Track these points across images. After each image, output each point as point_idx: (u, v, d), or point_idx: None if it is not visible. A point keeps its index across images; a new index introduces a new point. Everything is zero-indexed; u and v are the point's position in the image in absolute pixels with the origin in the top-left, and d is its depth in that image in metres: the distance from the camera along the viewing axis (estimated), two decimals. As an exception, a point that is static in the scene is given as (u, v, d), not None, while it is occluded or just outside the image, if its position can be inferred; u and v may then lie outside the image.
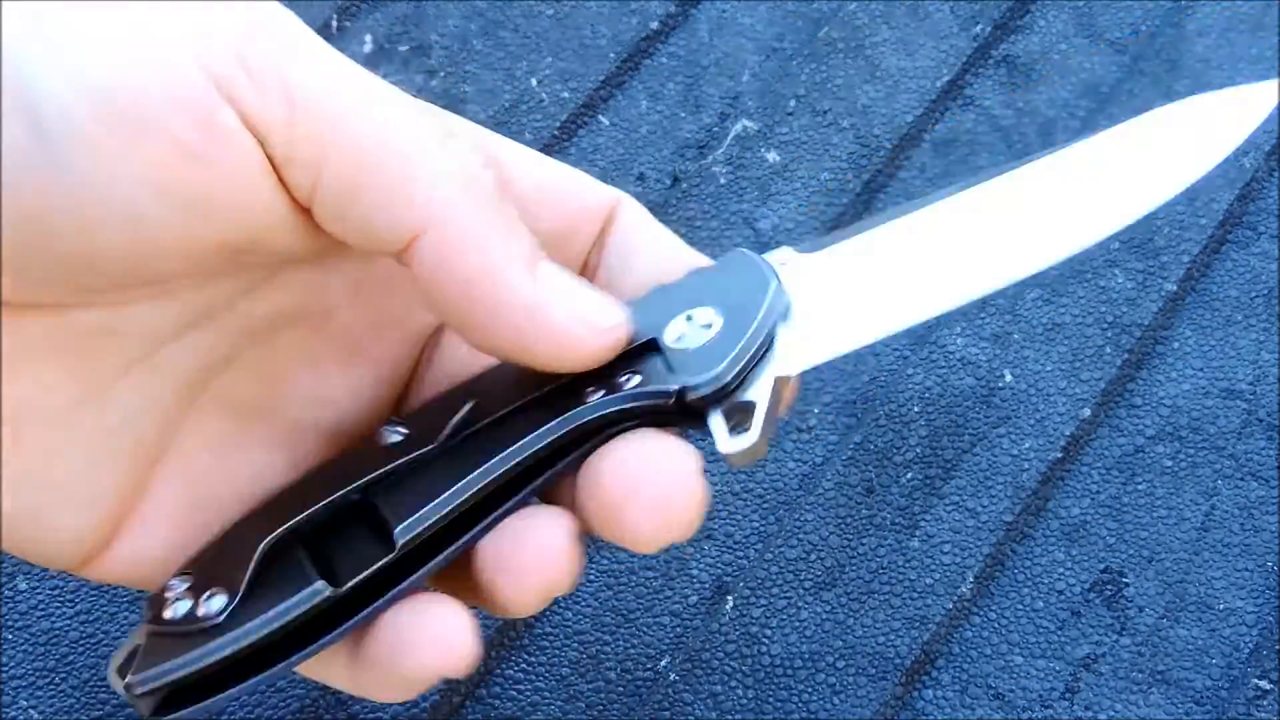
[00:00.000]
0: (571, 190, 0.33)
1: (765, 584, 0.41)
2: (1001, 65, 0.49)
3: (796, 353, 0.30)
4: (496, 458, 0.29)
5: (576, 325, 0.28)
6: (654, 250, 0.33)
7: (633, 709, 0.39)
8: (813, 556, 0.41)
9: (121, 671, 0.28)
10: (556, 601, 0.40)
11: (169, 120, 0.25)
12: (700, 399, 0.29)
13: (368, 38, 0.49)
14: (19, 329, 0.27)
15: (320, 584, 0.28)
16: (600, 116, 0.48)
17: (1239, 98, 0.33)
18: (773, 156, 0.47)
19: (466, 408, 0.30)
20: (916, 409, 0.44)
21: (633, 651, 0.40)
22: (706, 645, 0.40)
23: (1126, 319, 0.45)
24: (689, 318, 0.30)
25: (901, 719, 0.40)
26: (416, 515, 0.28)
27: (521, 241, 0.28)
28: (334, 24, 0.49)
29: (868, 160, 0.47)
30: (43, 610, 0.39)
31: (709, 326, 0.30)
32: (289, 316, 0.32)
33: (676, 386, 0.29)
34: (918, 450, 0.43)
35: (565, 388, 0.30)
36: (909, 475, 0.43)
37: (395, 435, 0.30)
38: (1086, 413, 0.44)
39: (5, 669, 0.39)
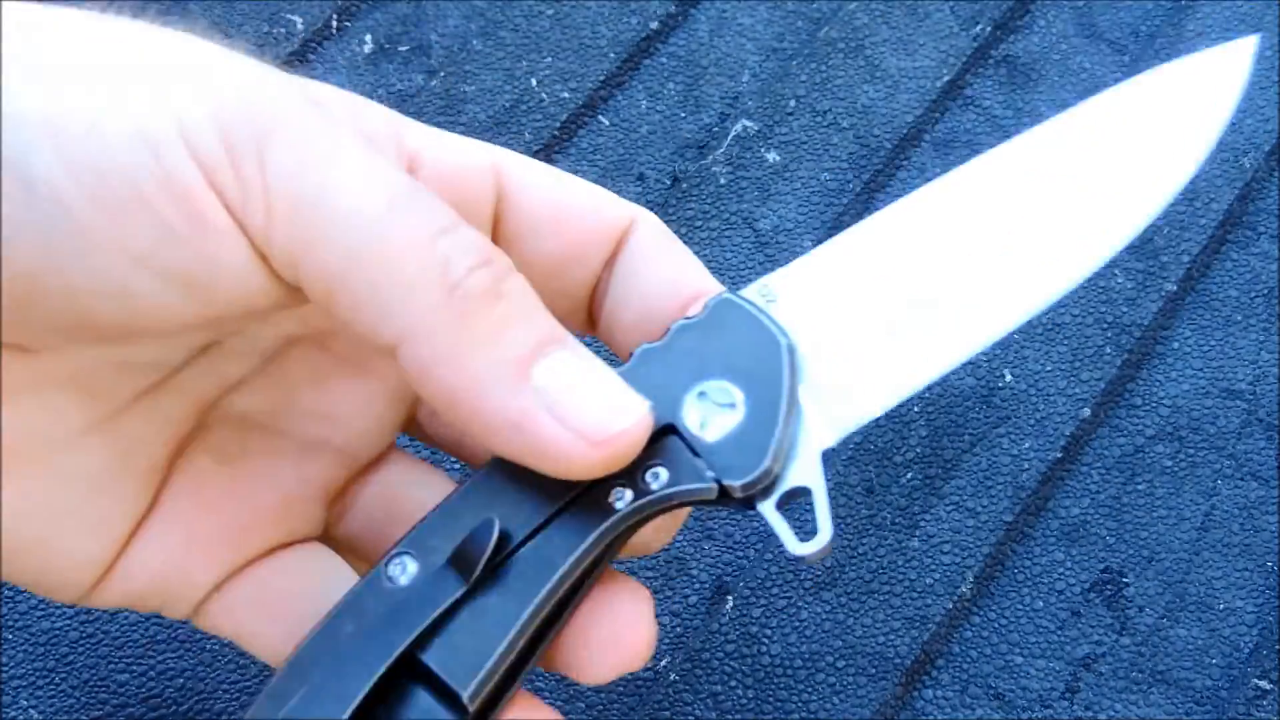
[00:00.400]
0: (586, 208, 0.32)
1: (765, 584, 0.41)
2: (1001, 65, 0.49)
3: (830, 418, 0.29)
4: (541, 592, 0.27)
5: (569, 440, 0.26)
6: (663, 272, 0.31)
7: (633, 709, 0.39)
8: (813, 556, 0.41)
9: None
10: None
11: (155, 202, 0.25)
12: (747, 496, 0.28)
13: (368, 38, 0.49)
14: (24, 362, 0.27)
15: None
16: (600, 116, 0.48)
17: (1214, 62, 0.33)
18: (773, 156, 0.47)
19: (494, 539, 0.27)
20: (916, 409, 0.44)
21: (633, 651, 0.40)
22: (706, 645, 0.40)
23: (1126, 319, 0.45)
24: (701, 394, 0.29)
25: (901, 719, 0.40)
26: (480, 674, 0.27)
27: (511, 346, 0.26)
28: (334, 24, 0.49)
29: (868, 160, 0.47)
30: (43, 610, 0.40)
31: (732, 406, 0.28)
32: (295, 338, 0.32)
33: (714, 482, 0.28)
34: (918, 450, 0.43)
35: (587, 490, 0.28)
36: (909, 475, 0.43)
37: (403, 571, 0.28)
38: (1086, 413, 0.44)
39: (5, 669, 0.39)
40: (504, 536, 0.27)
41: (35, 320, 0.26)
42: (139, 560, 0.30)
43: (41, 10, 0.26)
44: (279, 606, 0.31)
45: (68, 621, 0.39)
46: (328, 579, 0.31)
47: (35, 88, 0.25)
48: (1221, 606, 0.41)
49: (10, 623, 0.39)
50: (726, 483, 0.28)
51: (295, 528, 0.32)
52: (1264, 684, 0.40)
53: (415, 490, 0.33)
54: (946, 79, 0.49)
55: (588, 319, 0.33)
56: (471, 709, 0.27)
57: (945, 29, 0.50)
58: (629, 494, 0.28)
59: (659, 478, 0.28)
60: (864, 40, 0.49)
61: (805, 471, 0.28)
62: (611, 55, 0.49)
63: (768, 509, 0.28)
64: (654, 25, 0.49)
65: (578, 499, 0.28)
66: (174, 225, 0.25)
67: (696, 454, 0.28)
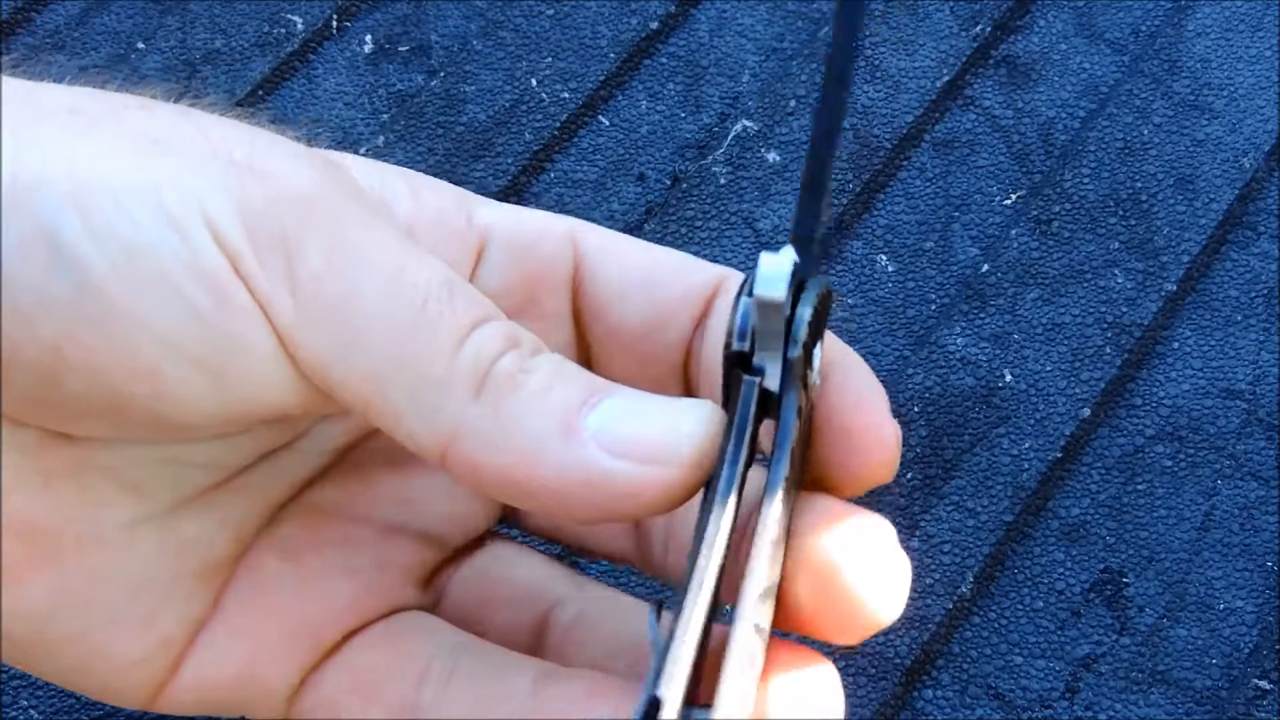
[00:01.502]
0: (671, 270, 0.30)
1: (765, 584, 0.41)
2: (1001, 65, 0.49)
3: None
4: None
5: (640, 471, 0.25)
6: None
7: (633, 709, 0.39)
8: (813, 556, 0.41)
9: None
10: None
11: (181, 283, 0.24)
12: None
13: (368, 38, 0.49)
14: (65, 448, 0.26)
15: None
16: (600, 116, 0.48)
17: None
18: (773, 156, 0.47)
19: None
20: (916, 409, 0.44)
21: (633, 651, 0.40)
22: (706, 645, 0.40)
23: (1126, 319, 0.45)
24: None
25: (901, 719, 0.40)
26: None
27: (552, 406, 0.25)
28: (334, 24, 0.49)
29: (868, 160, 0.47)
30: (43, 610, 0.40)
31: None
32: (370, 431, 0.30)
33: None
34: (918, 450, 0.43)
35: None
36: (909, 475, 0.43)
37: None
38: (1086, 413, 0.44)
39: (5, 669, 0.39)
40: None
41: (66, 400, 0.25)
42: (206, 664, 0.28)
43: (64, 88, 0.26)
44: (374, 685, 0.29)
45: (68, 621, 0.39)
46: (420, 640, 0.29)
47: (62, 156, 0.25)
48: (1221, 606, 0.41)
49: (10, 623, 0.39)
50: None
51: (375, 609, 0.30)
52: (1264, 684, 0.40)
53: (512, 570, 0.31)
54: (946, 79, 0.49)
55: (683, 385, 0.31)
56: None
57: (945, 29, 0.50)
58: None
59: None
60: (864, 40, 0.49)
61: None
62: (611, 55, 0.49)
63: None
64: (654, 25, 0.49)
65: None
66: (200, 307, 0.24)
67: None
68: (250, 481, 0.29)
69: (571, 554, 0.35)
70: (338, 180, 0.26)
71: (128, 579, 0.27)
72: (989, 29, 0.50)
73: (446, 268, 0.26)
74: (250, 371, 0.25)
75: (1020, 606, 0.41)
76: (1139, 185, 0.47)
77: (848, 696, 0.40)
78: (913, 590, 0.42)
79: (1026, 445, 0.43)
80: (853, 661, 0.40)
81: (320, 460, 0.30)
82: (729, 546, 0.24)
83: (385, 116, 0.47)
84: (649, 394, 0.26)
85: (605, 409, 0.25)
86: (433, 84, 0.48)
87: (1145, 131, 0.48)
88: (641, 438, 0.25)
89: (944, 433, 0.43)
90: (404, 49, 0.49)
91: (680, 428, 0.25)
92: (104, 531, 0.27)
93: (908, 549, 0.41)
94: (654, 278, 0.30)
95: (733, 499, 0.24)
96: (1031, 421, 0.43)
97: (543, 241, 0.30)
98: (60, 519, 0.26)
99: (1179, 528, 0.42)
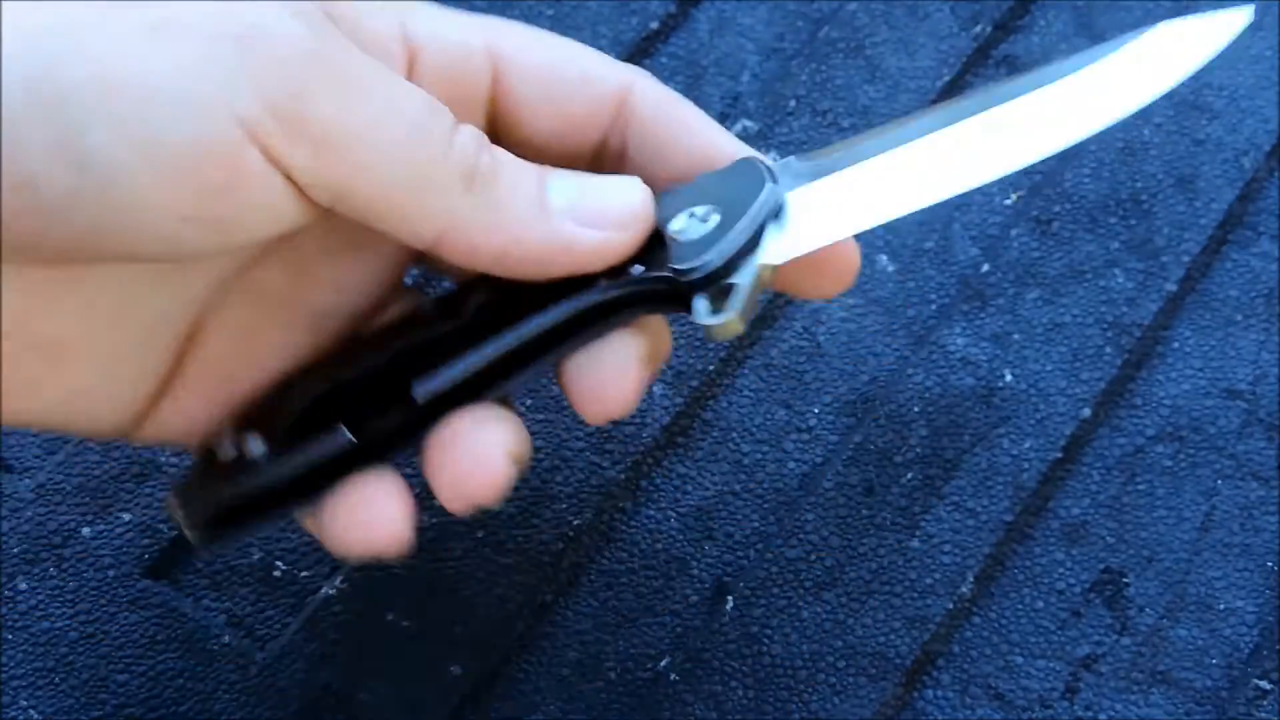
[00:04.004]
0: (576, 81, 0.35)
1: (765, 584, 0.41)
2: (1001, 65, 0.49)
3: (782, 245, 0.33)
4: (511, 332, 0.33)
5: (605, 236, 0.32)
6: (684, 138, 0.35)
7: (633, 709, 0.39)
8: (813, 556, 0.41)
9: (176, 503, 0.33)
10: (556, 602, 0.40)
11: (202, 167, 0.28)
12: (690, 283, 0.32)
13: (368, 38, 0.49)
14: (58, 271, 0.30)
15: (346, 436, 0.32)
16: (600, 116, 0.48)
17: (1209, 22, 0.37)
18: (773, 156, 0.47)
19: (485, 294, 0.33)
20: (916, 409, 0.44)
21: (633, 651, 0.40)
22: (706, 645, 0.40)
23: (1126, 319, 0.45)
24: (691, 214, 0.33)
25: (902, 719, 0.40)
26: (435, 377, 0.32)
27: (525, 194, 0.31)
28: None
29: (868, 160, 0.47)
30: (42, 610, 0.40)
31: (706, 221, 0.33)
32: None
33: (671, 272, 0.32)
34: (918, 450, 0.43)
35: (579, 278, 0.33)
36: (909, 475, 0.43)
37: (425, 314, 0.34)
38: (1086, 413, 0.44)
39: (5, 669, 0.39)
40: (499, 295, 0.33)
41: (80, 256, 0.30)
42: (165, 413, 0.34)
43: None
44: None
45: (68, 622, 0.39)
46: None
47: (83, 54, 0.27)
48: (1222, 606, 0.41)
49: (10, 623, 0.39)
50: (676, 267, 0.32)
51: None
52: (1264, 684, 0.40)
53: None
54: (946, 79, 0.49)
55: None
56: (418, 402, 0.32)
57: (945, 29, 0.50)
58: (607, 280, 0.33)
59: (638, 270, 0.33)
60: (864, 40, 0.49)
61: (741, 277, 0.33)
62: (611, 55, 0.49)
63: (699, 298, 0.33)
64: (654, 25, 0.49)
65: (569, 281, 0.33)
66: (218, 183, 0.28)
67: (671, 258, 0.33)
68: (205, 267, 0.33)
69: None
70: (332, 30, 0.30)
71: (119, 349, 0.32)
72: (989, 29, 0.50)
73: (420, 91, 0.31)
74: (261, 220, 0.30)
75: (1020, 606, 0.41)
76: (1139, 185, 0.47)
77: (848, 696, 0.40)
78: (913, 590, 0.43)
79: (1027, 445, 0.43)
80: (853, 662, 0.40)
81: (268, 244, 0.33)
82: None
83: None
84: (583, 173, 0.33)
85: (560, 188, 0.32)
86: (433, 84, 0.48)
87: (1145, 131, 0.48)
88: (606, 209, 0.32)
89: (944, 433, 0.43)
90: (404, 49, 0.49)
91: (627, 202, 0.32)
92: (97, 321, 0.32)
93: (908, 549, 0.41)
94: (562, 91, 0.35)
95: None
96: (1032, 421, 0.43)
97: (466, 58, 0.34)
98: (66, 321, 0.31)
99: (1179, 528, 0.42)
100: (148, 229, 0.29)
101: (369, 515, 0.32)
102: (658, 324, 0.35)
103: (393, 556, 0.33)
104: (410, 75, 0.33)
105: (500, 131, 0.35)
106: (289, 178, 0.29)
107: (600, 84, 0.35)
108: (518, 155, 0.32)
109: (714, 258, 0.32)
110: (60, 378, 0.32)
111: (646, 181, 0.34)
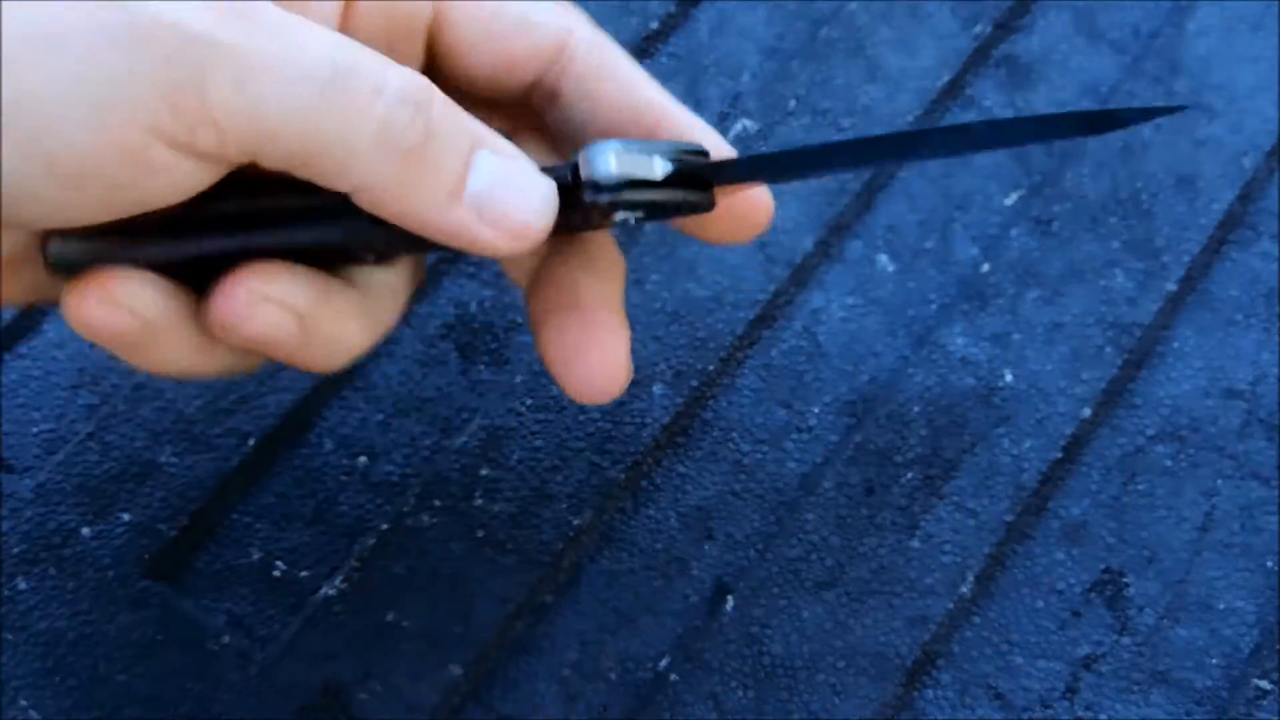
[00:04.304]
0: (514, 24, 0.35)
1: (765, 584, 0.41)
2: (1001, 65, 0.49)
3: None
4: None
5: (497, 236, 0.32)
6: (614, 86, 0.36)
7: (633, 709, 0.39)
8: (813, 556, 0.41)
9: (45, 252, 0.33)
10: (556, 602, 0.40)
11: (106, 169, 0.29)
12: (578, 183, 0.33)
13: (368, 38, 0.49)
14: None
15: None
16: (600, 116, 0.48)
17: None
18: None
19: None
20: (916, 409, 0.44)
21: (633, 651, 0.40)
22: (706, 645, 0.40)
23: (1126, 319, 0.45)
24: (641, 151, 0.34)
25: (901, 719, 0.40)
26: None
27: (445, 178, 0.31)
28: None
29: (868, 160, 0.47)
30: (42, 610, 0.39)
31: (627, 148, 0.33)
32: None
33: (570, 168, 0.33)
34: (918, 450, 0.43)
35: None
36: (909, 475, 0.43)
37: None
38: (1086, 413, 0.44)
39: (5, 669, 0.39)
40: None
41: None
42: None
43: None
44: None
45: (68, 622, 0.39)
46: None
47: (24, 83, 0.28)
48: (1222, 606, 0.41)
49: (10, 623, 0.39)
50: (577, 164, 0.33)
51: None
52: (1264, 684, 0.40)
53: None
54: (946, 79, 0.49)
55: (529, 129, 0.37)
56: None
57: (945, 29, 0.50)
58: None
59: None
60: (864, 40, 0.49)
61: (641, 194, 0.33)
62: (611, 55, 0.49)
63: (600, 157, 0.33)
64: (654, 25, 0.49)
65: None
66: (125, 181, 0.30)
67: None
68: None
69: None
70: (226, 6, 0.30)
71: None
72: (989, 29, 0.50)
73: (343, 44, 0.31)
74: (174, 190, 0.31)
75: (1020, 606, 0.41)
76: (1139, 185, 0.47)
77: (848, 696, 0.40)
78: (913, 590, 0.42)
79: (1027, 445, 0.43)
80: (853, 662, 0.40)
81: None
82: None
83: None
84: (515, 157, 0.33)
85: (486, 168, 0.32)
86: (433, 84, 0.48)
87: (1145, 131, 0.48)
88: (511, 213, 0.32)
89: (944, 433, 0.43)
90: (404, 49, 0.49)
91: (531, 216, 0.32)
92: None
93: (908, 549, 0.41)
94: (500, 31, 0.35)
95: None
96: (1032, 421, 0.43)
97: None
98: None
99: (1179, 528, 0.42)
100: (52, 219, 0.30)
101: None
102: (603, 244, 0.36)
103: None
104: (348, 10, 0.34)
105: (438, 68, 0.35)
106: (198, 155, 0.30)
107: (541, 28, 0.35)
108: (453, 91, 0.32)
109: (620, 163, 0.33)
110: None
111: (574, 124, 0.35)
